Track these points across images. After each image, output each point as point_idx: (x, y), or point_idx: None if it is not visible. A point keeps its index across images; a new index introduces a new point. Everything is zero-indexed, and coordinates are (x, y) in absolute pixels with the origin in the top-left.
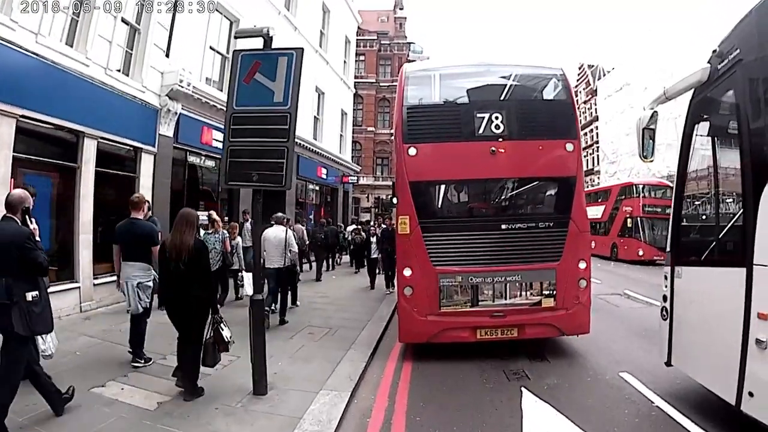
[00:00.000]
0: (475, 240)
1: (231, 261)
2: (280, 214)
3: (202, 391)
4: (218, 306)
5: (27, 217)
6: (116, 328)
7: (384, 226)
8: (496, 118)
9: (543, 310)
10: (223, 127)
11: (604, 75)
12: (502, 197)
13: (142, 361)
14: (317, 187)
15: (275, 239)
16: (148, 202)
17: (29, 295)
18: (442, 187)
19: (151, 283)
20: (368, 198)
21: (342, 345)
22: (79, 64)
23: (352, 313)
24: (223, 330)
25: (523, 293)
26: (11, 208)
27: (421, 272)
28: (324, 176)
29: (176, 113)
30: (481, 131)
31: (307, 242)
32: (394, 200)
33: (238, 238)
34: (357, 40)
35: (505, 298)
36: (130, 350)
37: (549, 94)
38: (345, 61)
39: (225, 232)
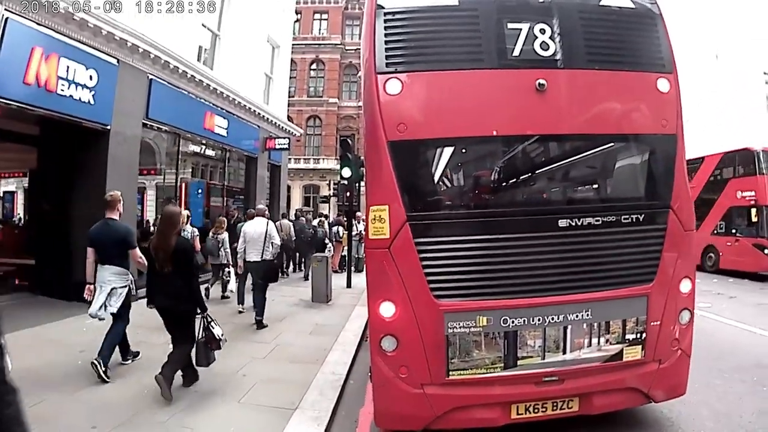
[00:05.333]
0: (511, 249)
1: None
2: (261, 206)
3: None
4: (205, 305)
5: None
6: None
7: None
8: (542, 31)
9: (624, 367)
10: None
11: None
12: (558, 171)
13: (131, 358)
14: (210, 151)
15: (255, 233)
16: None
17: None
18: (449, 151)
19: (125, 290)
20: (329, 185)
21: None
22: None
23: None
24: (214, 328)
25: (594, 340)
26: None
27: (413, 310)
28: (221, 132)
29: None
30: (516, 53)
31: (294, 239)
32: (345, 173)
33: (225, 234)
34: None
35: (564, 351)
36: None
37: (624, 1)
38: None
39: (195, 229)
